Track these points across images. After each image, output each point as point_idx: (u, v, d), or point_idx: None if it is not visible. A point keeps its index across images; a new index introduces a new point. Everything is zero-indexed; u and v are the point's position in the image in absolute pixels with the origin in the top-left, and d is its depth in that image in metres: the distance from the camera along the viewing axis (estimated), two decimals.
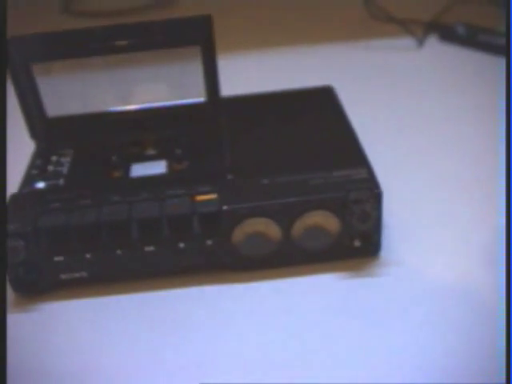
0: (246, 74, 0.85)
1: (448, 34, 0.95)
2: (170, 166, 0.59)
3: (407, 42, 0.95)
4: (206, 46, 0.59)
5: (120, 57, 0.61)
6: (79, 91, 0.63)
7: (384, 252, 0.56)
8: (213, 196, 0.54)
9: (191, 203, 0.53)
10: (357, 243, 0.55)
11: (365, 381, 0.46)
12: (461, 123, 0.74)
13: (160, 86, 0.63)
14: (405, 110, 0.79)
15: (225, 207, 0.53)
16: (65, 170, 0.60)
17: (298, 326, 0.51)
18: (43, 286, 0.55)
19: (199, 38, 0.59)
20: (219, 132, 0.63)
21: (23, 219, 0.53)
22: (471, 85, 0.82)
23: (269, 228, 0.54)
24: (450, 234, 0.58)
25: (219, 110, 0.62)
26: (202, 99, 0.62)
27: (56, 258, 0.54)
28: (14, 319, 0.53)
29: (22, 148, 0.64)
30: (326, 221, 0.54)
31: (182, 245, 0.54)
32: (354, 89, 0.73)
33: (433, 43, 0.95)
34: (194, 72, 0.61)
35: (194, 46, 0.60)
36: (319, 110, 0.66)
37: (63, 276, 0.55)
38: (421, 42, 0.95)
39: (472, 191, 0.63)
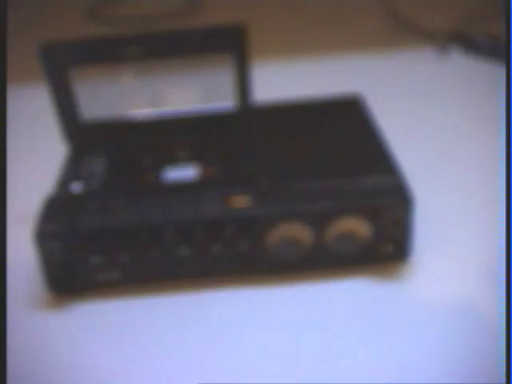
0: (273, 80, 0.85)
1: (471, 46, 0.95)
2: (201, 170, 0.60)
3: (430, 52, 0.96)
4: (238, 52, 0.60)
5: (153, 63, 0.62)
6: (113, 95, 0.64)
7: (414, 257, 0.57)
8: (247, 200, 0.55)
9: (225, 207, 0.54)
10: (388, 248, 0.56)
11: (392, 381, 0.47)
12: (485, 134, 0.75)
13: (192, 90, 0.64)
14: (430, 119, 0.79)
15: (259, 211, 0.54)
16: (98, 173, 0.61)
17: (327, 330, 0.51)
18: (79, 286, 0.56)
19: (231, 44, 0.60)
20: (250, 137, 0.63)
21: (60, 220, 0.54)
22: (495, 96, 0.83)
23: (302, 232, 0.54)
24: (481, 242, 0.58)
25: (250, 115, 0.63)
26: (233, 105, 0.63)
27: (92, 260, 0.55)
28: (49, 319, 0.54)
29: (54, 151, 0.65)
30: (357, 226, 0.54)
31: (215, 249, 0.55)
32: (379, 97, 0.73)
33: (456, 55, 0.96)
34: (226, 78, 0.62)
35: (227, 52, 0.61)
36: (348, 117, 0.67)
37: (99, 277, 0.56)
38: (444, 53, 0.95)
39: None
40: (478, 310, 0.52)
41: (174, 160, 0.62)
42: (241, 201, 0.55)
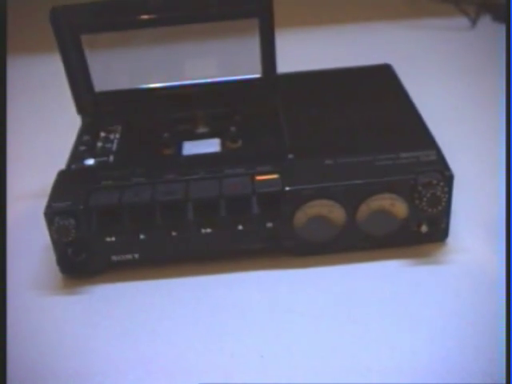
0: (301, 51, 0.81)
1: (501, 14, 0.91)
2: (223, 145, 0.56)
3: (460, 21, 0.92)
4: (265, 18, 0.56)
5: (172, 29, 0.58)
6: (129, 65, 0.60)
7: (451, 238, 0.53)
8: (274, 176, 0.51)
9: (251, 183, 0.51)
10: (424, 228, 0.52)
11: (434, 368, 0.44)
12: None
13: (214, 60, 0.60)
14: (461, 89, 0.75)
15: (287, 188, 0.50)
16: (114, 146, 0.57)
17: (360, 314, 0.48)
18: (93, 267, 0.53)
19: (257, 11, 0.56)
20: (276, 110, 0.60)
21: (73, 197, 0.51)
22: None
23: (332, 211, 0.51)
24: None
25: (276, 86, 0.59)
26: (257, 75, 0.59)
27: (108, 239, 0.51)
28: (61, 302, 0.51)
29: (68, 123, 0.62)
30: (392, 205, 0.51)
31: (240, 227, 0.51)
32: (410, 67, 0.69)
33: (486, 23, 0.92)
34: (250, 46, 0.58)
35: (252, 18, 0.57)
36: (379, 89, 0.63)
37: (115, 257, 0.52)
38: (474, 22, 0.91)
39: None
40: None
41: (194, 134, 0.58)
42: (268, 177, 0.51)
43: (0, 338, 0.44)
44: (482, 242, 0.53)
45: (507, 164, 0.58)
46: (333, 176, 0.51)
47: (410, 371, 0.44)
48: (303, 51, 0.83)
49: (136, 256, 0.52)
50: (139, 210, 0.50)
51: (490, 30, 0.90)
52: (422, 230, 0.52)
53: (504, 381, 0.41)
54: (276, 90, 0.59)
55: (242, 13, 0.57)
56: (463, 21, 0.92)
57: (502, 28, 0.90)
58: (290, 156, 0.53)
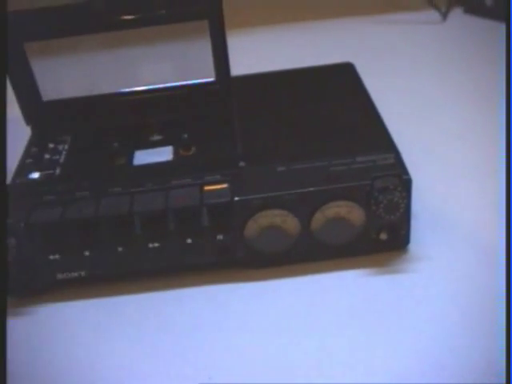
0: (257, 52, 0.79)
1: (474, 6, 0.89)
2: (176, 153, 0.54)
3: (431, 15, 0.89)
4: (214, 20, 0.54)
5: (119, 34, 0.55)
6: (77, 73, 0.58)
7: (412, 245, 0.51)
8: (223, 185, 0.49)
9: (200, 194, 0.48)
10: (383, 236, 0.50)
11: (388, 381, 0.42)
12: (488, 97, 0.68)
13: (165, 65, 0.58)
14: (429, 86, 0.73)
15: (237, 198, 0.48)
16: (62, 158, 0.55)
17: (317, 328, 0.46)
18: (38, 287, 0.50)
19: (207, 12, 0.54)
20: (230, 115, 0.57)
21: (15, 214, 0.48)
22: (498, 57, 0.76)
23: (286, 221, 0.48)
24: (483, 225, 0.52)
25: (229, 90, 0.57)
26: (210, 79, 0.57)
27: (51, 257, 0.49)
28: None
29: (18, 135, 0.59)
30: (349, 212, 0.49)
31: (189, 240, 0.49)
32: (376, 65, 0.67)
33: (457, 16, 0.89)
34: (202, 49, 0.56)
35: (202, 20, 0.54)
36: (339, 89, 0.61)
37: (60, 276, 0.50)
38: (444, 15, 0.89)
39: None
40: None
41: (146, 142, 0.56)
42: (218, 187, 0.49)
43: None
44: (445, 249, 0.51)
45: (507, 164, 0.56)
46: (285, 184, 0.48)
47: None
48: (263, 52, 0.81)
49: (82, 273, 0.50)
50: (83, 225, 0.48)
51: (462, 23, 0.88)
52: (381, 237, 0.50)
53: (504, 381, 0.39)
54: (230, 94, 0.57)
55: (190, 15, 0.55)
56: (434, 14, 0.89)
57: (474, 20, 0.88)
58: (242, 164, 0.51)
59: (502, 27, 0.83)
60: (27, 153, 0.56)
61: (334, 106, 0.58)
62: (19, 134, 0.59)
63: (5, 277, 0.46)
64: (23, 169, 0.54)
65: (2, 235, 0.45)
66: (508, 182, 0.53)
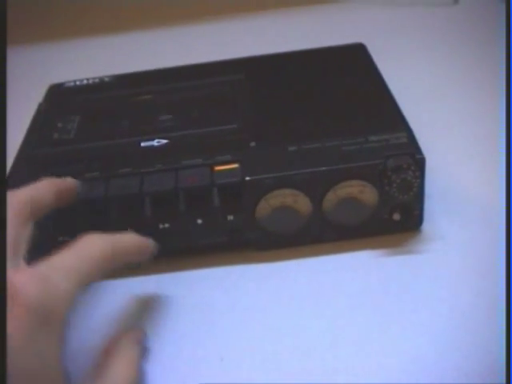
0: (270, 33, 0.78)
1: None
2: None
3: None
4: None
5: None
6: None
7: (426, 225, 0.50)
8: (234, 165, 0.48)
9: (210, 174, 0.48)
10: (396, 216, 0.49)
11: (402, 366, 0.41)
12: (501, 78, 0.67)
13: None
14: (441, 67, 0.72)
15: (247, 178, 0.47)
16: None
17: (330, 310, 0.45)
18: None
19: None
20: (240, 93, 0.56)
21: None
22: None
23: (297, 201, 0.48)
24: (497, 205, 0.51)
25: (239, 65, 0.56)
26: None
27: (61, 238, 0.48)
28: None
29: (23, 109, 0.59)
30: (361, 192, 0.48)
31: (200, 221, 0.48)
32: (387, 46, 0.66)
33: None
34: None
35: None
36: (351, 69, 0.60)
37: None
38: None
39: None
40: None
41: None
42: (228, 167, 0.48)
43: None
44: (459, 229, 0.50)
45: (507, 159, 0.55)
46: (296, 163, 0.48)
47: (381, 371, 0.41)
48: (275, 33, 0.80)
49: None
50: (92, 206, 0.48)
51: (474, 5, 0.86)
52: (394, 217, 0.49)
53: (504, 381, 0.38)
54: (240, 71, 0.56)
55: None
56: None
57: (487, 1, 0.86)
58: (253, 143, 0.50)
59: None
60: (33, 128, 0.56)
61: (346, 86, 0.57)
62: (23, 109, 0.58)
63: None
64: (29, 144, 0.54)
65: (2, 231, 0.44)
66: (508, 178, 0.52)
